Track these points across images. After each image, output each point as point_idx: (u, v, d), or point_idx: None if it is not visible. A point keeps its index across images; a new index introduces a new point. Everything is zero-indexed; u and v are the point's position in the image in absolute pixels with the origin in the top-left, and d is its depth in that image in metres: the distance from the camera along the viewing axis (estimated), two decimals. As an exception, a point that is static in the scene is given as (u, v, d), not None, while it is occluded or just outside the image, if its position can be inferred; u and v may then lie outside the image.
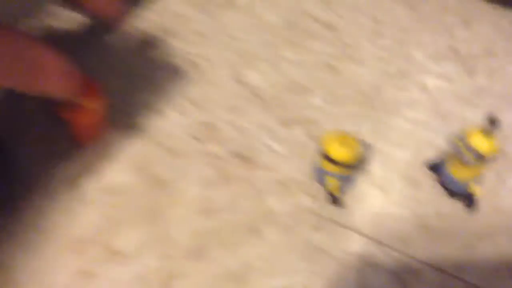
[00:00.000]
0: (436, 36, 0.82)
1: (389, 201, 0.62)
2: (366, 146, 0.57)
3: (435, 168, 0.64)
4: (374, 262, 0.56)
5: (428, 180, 0.64)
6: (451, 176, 0.60)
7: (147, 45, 0.78)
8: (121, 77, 0.73)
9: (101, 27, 0.77)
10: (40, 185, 0.60)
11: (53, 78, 0.34)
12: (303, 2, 0.87)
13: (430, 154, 0.66)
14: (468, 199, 0.61)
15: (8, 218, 0.57)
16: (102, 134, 0.64)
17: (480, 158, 0.55)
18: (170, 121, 0.68)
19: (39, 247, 0.56)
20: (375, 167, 0.65)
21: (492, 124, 0.54)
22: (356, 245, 0.58)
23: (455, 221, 0.60)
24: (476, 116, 0.71)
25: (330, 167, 0.58)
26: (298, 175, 0.64)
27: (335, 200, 0.60)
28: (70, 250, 0.56)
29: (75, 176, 0.62)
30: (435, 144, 0.68)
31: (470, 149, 0.56)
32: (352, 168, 0.59)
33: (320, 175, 0.61)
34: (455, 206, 0.62)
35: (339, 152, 0.56)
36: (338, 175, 0.58)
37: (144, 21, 0.81)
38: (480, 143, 0.55)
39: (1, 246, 0.55)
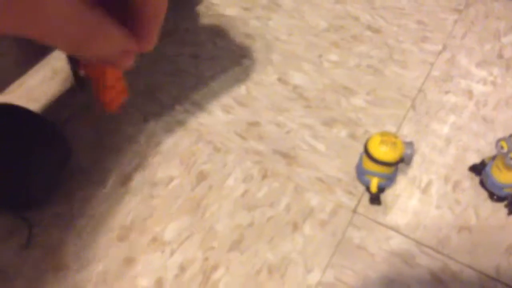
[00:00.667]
0: (482, 41, 0.82)
1: (428, 201, 0.62)
2: (410, 146, 0.58)
3: (477, 169, 0.64)
4: (412, 261, 0.57)
5: (469, 182, 0.64)
6: (493, 179, 0.60)
7: (194, 44, 0.81)
8: (168, 75, 0.77)
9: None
10: (92, 176, 0.64)
11: (105, 44, 0.33)
12: (347, 5, 0.88)
13: (472, 158, 0.66)
14: (509, 202, 0.60)
15: (61, 206, 0.61)
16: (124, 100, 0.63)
17: (524, 161, 0.55)
18: (216, 119, 0.71)
19: (90, 235, 0.59)
20: (416, 168, 0.65)
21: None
22: (394, 243, 0.58)
23: (495, 223, 0.60)
24: (522, 121, 0.71)
25: (371, 166, 0.59)
26: (339, 174, 0.65)
27: (374, 198, 0.61)
28: (119, 239, 0.59)
29: (126, 169, 0.65)
30: (477, 148, 0.68)
31: (514, 152, 0.56)
32: (393, 167, 0.60)
33: (360, 173, 0.62)
34: (496, 209, 0.61)
35: (380, 150, 0.57)
36: (379, 173, 0.59)
37: (192, 21, 0.85)
38: (525, 146, 0.55)
39: (54, 233, 0.59)
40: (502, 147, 0.57)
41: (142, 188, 0.63)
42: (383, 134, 0.59)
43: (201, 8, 0.87)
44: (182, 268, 0.56)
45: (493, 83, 0.76)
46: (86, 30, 0.29)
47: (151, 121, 0.70)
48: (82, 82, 0.70)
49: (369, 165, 0.60)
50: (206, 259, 0.57)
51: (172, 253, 0.58)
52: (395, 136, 0.59)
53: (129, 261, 0.57)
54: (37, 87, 0.74)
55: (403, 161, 0.59)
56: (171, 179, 0.64)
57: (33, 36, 0.26)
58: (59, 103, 0.72)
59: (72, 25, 0.28)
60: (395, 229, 0.60)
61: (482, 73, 0.77)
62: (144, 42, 0.38)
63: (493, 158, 0.61)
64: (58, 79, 0.76)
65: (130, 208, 0.61)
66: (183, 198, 0.62)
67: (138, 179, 0.64)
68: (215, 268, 0.57)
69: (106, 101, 0.62)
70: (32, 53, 0.76)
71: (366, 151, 0.59)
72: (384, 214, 0.61)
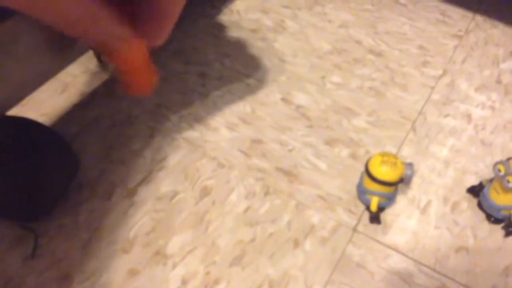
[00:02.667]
0: (481, 66, 0.84)
1: (427, 221, 0.63)
2: (410, 167, 0.59)
3: (475, 191, 0.65)
4: (410, 279, 0.58)
5: (467, 204, 0.65)
6: (491, 201, 0.61)
7: (202, 64, 0.83)
8: (176, 93, 0.79)
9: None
10: (98, 189, 0.66)
11: (107, 28, 0.35)
12: (350, 29, 0.91)
13: (471, 180, 0.68)
14: (507, 225, 0.61)
15: (67, 217, 0.63)
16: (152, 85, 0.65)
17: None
18: (221, 136, 0.73)
19: (94, 246, 0.60)
20: (415, 189, 0.67)
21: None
22: (393, 262, 0.59)
23: (493, 245, 0.61)
24: (519, 146, 0.72)
25: (371, 185, 0.61)
26: (339, 192, 0.66)
27: (374, 217, 0.62)
28: (123, 251, 0.60)
29: (131, 183, 0.67)
30: (476, 170, 0.69)
31: None
32: (393, 187, 0.61)
33: (361, 193, 0.64)
34: (493, 230, 0.62)
35: (380, 170, 0.59)
36: (379, 193, 0.61)
37: (200, 42, 0.87)
38: (522, 170, 0.57)
39: (59, 244, 0.60)
40: (499, 170, 0.59)
41: (146, 202, 0.65)
42: (384, 154, 0.60)
43: (209, 29, 0.90)
44: (184, 282, 0.57)
45: (492, 108, 0.77)
46: (77, 11, 0.30)
47: (157, 137, 0.72)
48: (105, 65, 0.72)
49: (369, 185, 0.61)
50: (207, 273, 0.58)
51: (174, 266, 0.59)
52: (395, 157, 0.60)
53: (132, 273, 0.58)
54: (47, 101, 0.76)
55: (403, 181, 0.60)
56: (175, 193, 0.66)
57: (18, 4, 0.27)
58: (68, 117, 0.74)
59: (66, 4, 0.29)
60: (394, 248, 0.61)
61: (481, 97, 0.79)
62: (155, 36, 0.39)
63: (491, 180, 0.63)
64: (68, 94, 0.78)
65: (134, 221, 0.63)
66: (187, 212, 0.64)
67: (142, 193, 0.66)
68: (216, 282, 0.58)
69: (125, 84, 0.62)
70: (46, 68, 0.79)
71: (367, 171, 0.60)
72: (384, 233, 0.62)
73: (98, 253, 0.60)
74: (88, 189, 0.66)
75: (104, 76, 0.81)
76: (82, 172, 0.67)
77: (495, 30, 0.91)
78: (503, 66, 0.84)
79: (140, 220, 0.63)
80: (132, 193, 0.65)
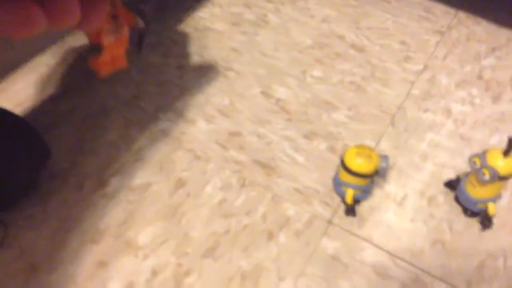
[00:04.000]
0: (462, 62, 0.84)
1: (403, 215, 0.63)
2: (385, 159, 0.59)
3: (452, 185, 0.64)
4: (385, 273, 0.57)
5: (444, 198, 0.64)
6: (467, 194, 0.60)
7: (181, 56, 0.82)
8: (154, 85, 0.78)
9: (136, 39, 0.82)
10: (70, 179, 0.64)
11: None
12: (333, 24, 0.90)
13: (449, 174, 0.67)
14: (483, 218, 0.61)
15: (36, 207, 0.61)
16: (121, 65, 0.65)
17: (497, 177, 0.56)
18: (198, 128, 0.72)
19: (63, 237, 0.59)
20: (392, 182, 0.66)
21: (511, 145, 0.55)
22: (368, 255, 0.59)
23: (468, 238, 0.61)
24: (498, 142, 0.72)
25: (347, 177, 0.60)
26: (316, 185, 0.65)
27: (349, 210, 0.61)
28: (92, 242, 0.59)
29: (104, 174, 0.65)
30: (454, 165, 0.68)
31: (487, 167, 0.56)
32: (368, 179, 0.60)
33: (337, 185, 0.63)
34: (470, 224, 0.62)
35: (355, 162, 0.58)
36: (354, 185, 0.60)
37: (179, 34, 0.86)
38: (498, 162, 0.56)
39: (27, 234, 0.59)
40: (475, 163, 0.58)
41: (119, 193, 0.63)
42: (359, 146, 0.60)
43: (189, 21, 0.89)
44: (154, 273, 0.56)
45: (472, 103, 0.77)
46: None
47: (133, 129, 0.71)
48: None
49: (344, 177, 0.60)
50: (179, 264, 0.57)
51: (145, 257, 0.58)
52: (370, 149, 0.59)
53: (101, 264, 0.57)
54: (22, 91, 0.75)
55: (378, 173, 0.60)
56: (149, 185, 0.64)
57: None
58: (43, 108, 0.73)
59: None
60: (369, 241, 0.60)
61: (461, 93, 0.79)
62: (83, 21, 0.40)
63: (467, 174, 0.62)
64: (43, 85, 0.76)
65: (105, 212, 0.61)
66: (160, 204, 0.63)
67: (115, 184, 0.64)
68: (187, 273, 0.56)
69: (96, 65, 0.61)
70: (13, 57, 0.77)
71: (342, 163, 0.60)
72: (359, 225, 0.61)
73: (66, 244, 0.58)
74: (60, 180, 0.64)
75: (81, 67, 0.79)
76: (54, 163, 0.65)
77: (477, 26, 0.91)
78: (484, 62, 0.84)
79: (112, 211, 0.62)
80: (104, 184, 0.64)
